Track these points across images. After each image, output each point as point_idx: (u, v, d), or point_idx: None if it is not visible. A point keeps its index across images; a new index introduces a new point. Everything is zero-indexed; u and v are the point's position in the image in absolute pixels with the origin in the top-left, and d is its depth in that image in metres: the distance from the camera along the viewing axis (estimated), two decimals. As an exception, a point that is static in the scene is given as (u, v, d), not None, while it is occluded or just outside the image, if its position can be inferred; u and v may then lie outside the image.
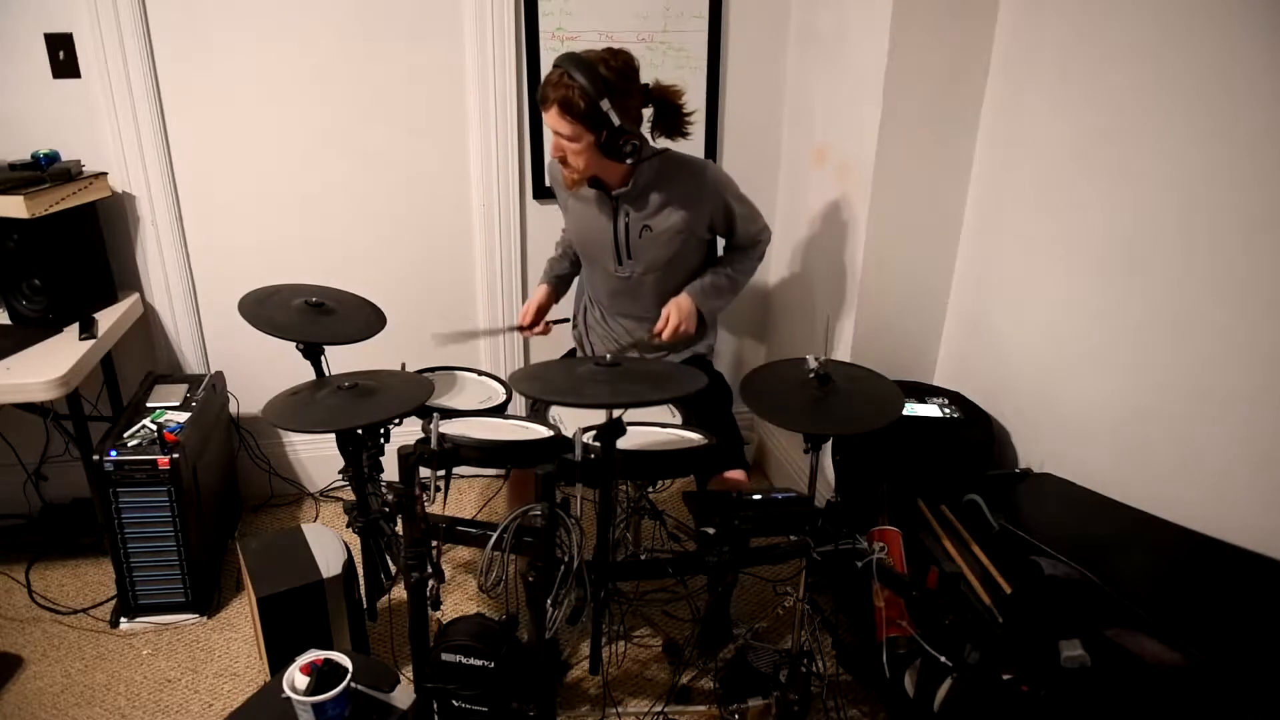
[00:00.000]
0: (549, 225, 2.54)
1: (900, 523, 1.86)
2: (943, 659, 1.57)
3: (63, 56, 2.26)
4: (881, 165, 2.14)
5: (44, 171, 2.15)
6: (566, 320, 2.22)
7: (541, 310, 2.12)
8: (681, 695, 1.98)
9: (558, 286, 2.20)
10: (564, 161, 1.84)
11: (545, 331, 2.11)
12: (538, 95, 1.80)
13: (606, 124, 1.76)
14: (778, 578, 1.86)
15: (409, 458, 1.45)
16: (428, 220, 2.63)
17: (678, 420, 1.86)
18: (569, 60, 1.74)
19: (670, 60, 2.53)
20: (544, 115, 1.81)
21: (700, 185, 1.95)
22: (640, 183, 1.92)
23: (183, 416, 2.21)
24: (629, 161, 1.81)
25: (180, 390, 2.35)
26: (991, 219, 2.14)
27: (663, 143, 1.95)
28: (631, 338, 2.12)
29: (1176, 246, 1.59)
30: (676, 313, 1.98)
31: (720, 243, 2.14)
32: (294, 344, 1.84)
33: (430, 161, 2.57)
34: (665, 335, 1.98)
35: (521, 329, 2.09)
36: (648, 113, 1.90)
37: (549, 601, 1.46)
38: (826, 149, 2.41)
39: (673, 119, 1.91)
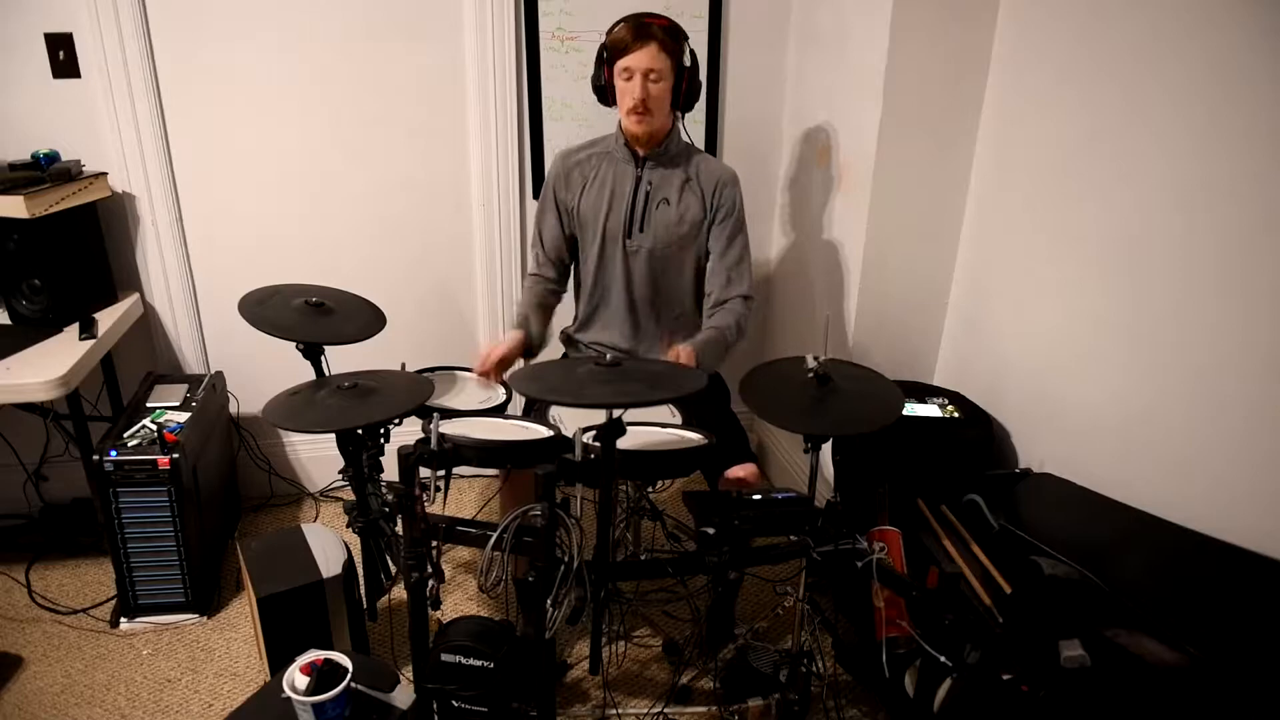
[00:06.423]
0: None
1: (900, 523, 1.86)
2: (943, 659, 1.57)
3: (63, 56, 2.26)
4: (881, 165, 2.14)
5: (44, 171, 2.15)
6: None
7: (505, 363, 1.99)
8: (681, 695, 1.98)
9: (530, 331, 2.04)
10: (643, 108, 1.89)
11: (499, 379, 1.99)
12: (625, 34, 1.86)
13: (685, 70, 1.91)
14: (778, 578, 1.86)
15: (409, 458, 1.45)
16: (428, 220, 2.63)
17: (678, 420, 1.86)
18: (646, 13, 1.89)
19: (670, 60, 2.53)
20: (632, 54, 1.85)
21: (722, 182, 2.04)
22: (671, 150, 2.02)
23: (183, 416, 2.21)
24: (683, 114, 1.99)
25: (180, 390, 2.35)
26: (991, 219, 2.14)
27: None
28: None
29: (1176, 246, 1.59)
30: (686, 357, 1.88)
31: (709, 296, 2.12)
32: (294, 344, 1.84)
33: (430, 161, 2.57)
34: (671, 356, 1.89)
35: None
36: None
37: (549, 602, 1.46)
38: (827, 148, 2.41)
39: (696, 87, 1.98)
